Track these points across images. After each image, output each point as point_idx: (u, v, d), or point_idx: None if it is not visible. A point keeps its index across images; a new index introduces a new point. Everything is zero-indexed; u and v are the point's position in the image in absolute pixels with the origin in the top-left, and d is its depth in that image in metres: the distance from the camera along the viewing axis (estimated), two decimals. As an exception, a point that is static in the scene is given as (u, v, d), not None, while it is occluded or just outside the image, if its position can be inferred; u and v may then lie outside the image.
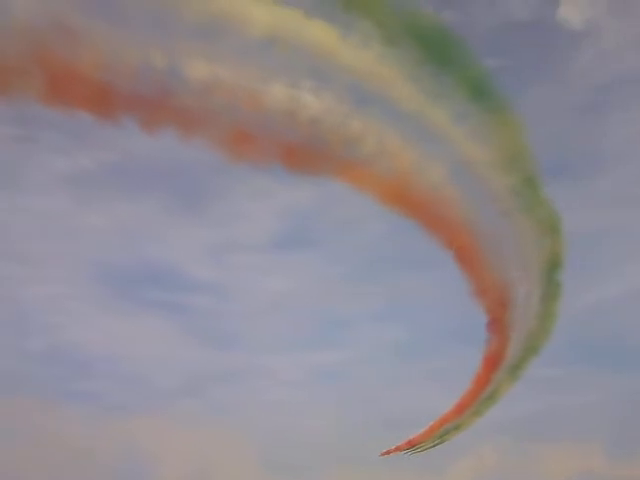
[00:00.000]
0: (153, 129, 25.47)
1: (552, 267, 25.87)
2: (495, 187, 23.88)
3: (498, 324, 29.30)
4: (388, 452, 49.38)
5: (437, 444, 42.39)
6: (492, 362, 31.03)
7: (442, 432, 39.40)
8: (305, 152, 25.09)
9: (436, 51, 21.63)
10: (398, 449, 47.32)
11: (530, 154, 22.89)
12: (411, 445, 45.87)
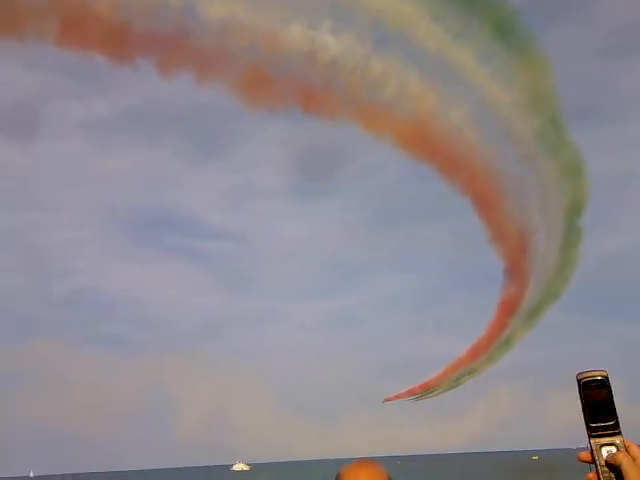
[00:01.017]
0: (170, 71, 25.09)
1: (574, 212, 25.53)
2: (518, 130, 23.41)
3: (516, 270, 29.22)
4: (390, 399, 49.18)
5: (449, 389, 42.75)
6: (508, 308, 31.07)
7: (456, 377, 39.73)
8: (324, 95, 24.66)
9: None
10: (399, 396, 47.18)
11: (555, 95, 22.32)
12: (423, 389, 45.82)
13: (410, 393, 43.64)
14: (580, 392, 1.75)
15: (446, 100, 23.27)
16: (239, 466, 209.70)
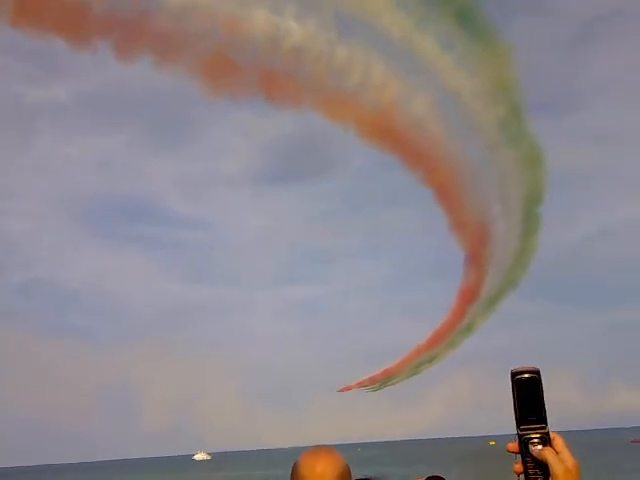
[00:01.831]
0: (129, 55, 24.51)
1: (533, 201, 26.05)
2: (480, 119, 23.69)
3: (476, 258, 29.70)
4: (344, 389, 48.90)
5: (409, 377, 43.26)
6: (468, 295, 31.60)
7: (416, 364, 40.24)
8: (287, 82, 24.47)
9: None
10: (353, 386, 47.23)
11: (517, 85, 22.65)
12: (383, 377, 46.07)
13: (369, 382, 43.95)
14: (513, 387, 1.80)
15: (410, 88, 23.38)
16: (200, 455, 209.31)
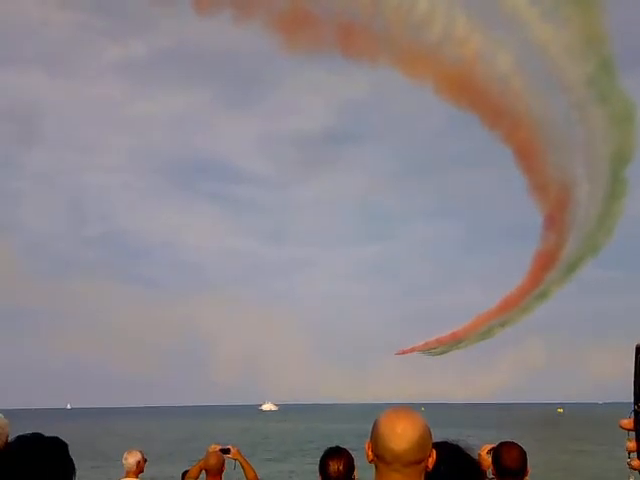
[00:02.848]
0: (207, 10, 24.58)
1: (620, 163, 24.69)
2: (567, 75, 22.48)
3: (555, 222, 28.66)
4: (405, 351, 47.13)
5: (479, 341, 42.60)
6: (545, 260, 30.65)
7: (487, 328, 39.60)
8: (365, 35, 23.93)
9: None
10: (414, 349, 46.13)
11: (607, 39, 21.22)
12: (451, 340, 45.11)
13: (433, 344, 43.35)
14: (636, 361, 1.71)
15: (493, 43, 22.38)
16: (267, 406, 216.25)
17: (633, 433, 1.71)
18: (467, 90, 25.77)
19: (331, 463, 4.27)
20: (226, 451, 6.88)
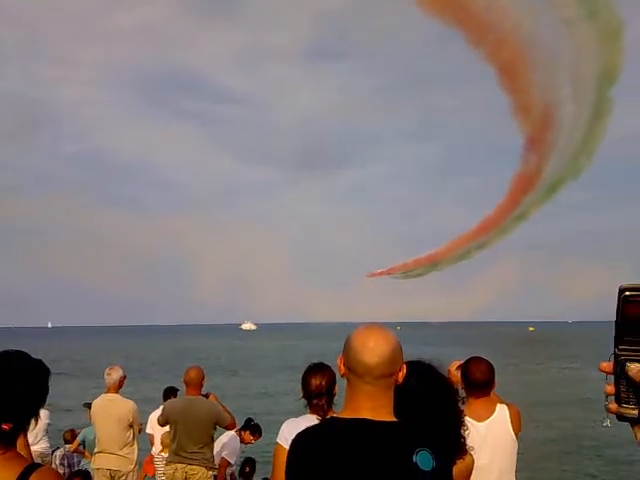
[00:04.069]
0: None
1: (606, 81, 24.24)
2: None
3: (537, 143, 28.42)
4: (374, 274, 47.73)
5: (457, 263, 42.89)
6: (525, 182, 30.61)
7: (465, 250, 39.96)
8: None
9: None
10: (390, 271, 45.86)
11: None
12: (428, 262, 45.11)
13: (413, 265, 43.62)
14: (619, 302, 1.58)
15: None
16: (247, 325, 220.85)
17: (612, 377, 1.58)
18: (452, 4, 24.82)
19: (313, 378, 4.37)
20: (205, 396, 6.97)
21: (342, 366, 2.32)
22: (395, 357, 2.27)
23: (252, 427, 8.48)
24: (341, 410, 2.35)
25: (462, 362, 4.57)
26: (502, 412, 4.39)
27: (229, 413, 7.04)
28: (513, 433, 4.40)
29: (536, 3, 23.10)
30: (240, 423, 8.19)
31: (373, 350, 2.23)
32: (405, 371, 2.31)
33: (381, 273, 47.29)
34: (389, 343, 2.26)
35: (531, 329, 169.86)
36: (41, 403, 2.61)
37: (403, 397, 2.39)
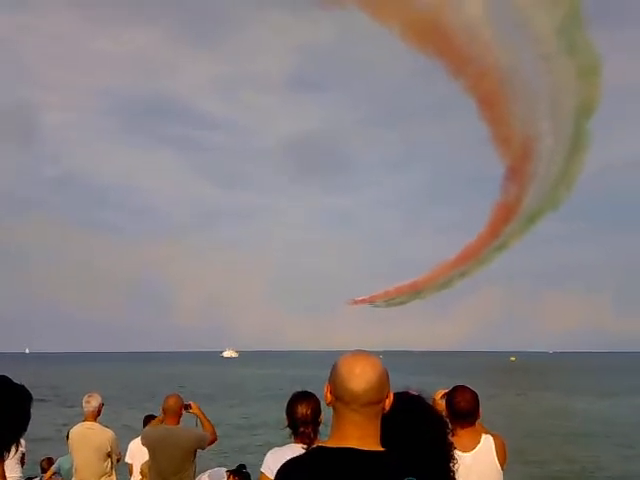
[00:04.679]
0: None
1: (584, 115, 24.80)
2: (535, 25, 22.23)
3: (517, 174, 28.86)
4: (356, 302, 46.83)
5: (437, 291, 42.89)
6: (505, 212, 30.98)
7: (447, 279, 40.05)
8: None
9: None
10: (372, 299, 45.24)
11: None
12: (411, 290, 44.80)
13: (395, 293, 43.27)
14: None
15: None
16: (229, 352, 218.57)
17: None
18: (434, 36, 25.33)
19: (299, 406, 4.32)
20: (186, 407, 6.85)
21: (329, 394, 2.29)
22: (382, 384, 2.26)
23: (242, 474, 8.35)
24: (327, 439, 2.32)
25: (447, 391, 4.56)
26: (487, 442, 4.38)
27: (208, 422, 6.90)
28: (498, 464, 4.38)
29: (517, 39, 23.70)
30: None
31: (360, 377, 2.22)
32: (392, 399, 2.30)
33: (363, 301, 46.98)
34: (376, 370, 2.25)
35: (512, 359, 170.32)
36: (23, 430, 2.55)
37: (390, 428, 2.37)
